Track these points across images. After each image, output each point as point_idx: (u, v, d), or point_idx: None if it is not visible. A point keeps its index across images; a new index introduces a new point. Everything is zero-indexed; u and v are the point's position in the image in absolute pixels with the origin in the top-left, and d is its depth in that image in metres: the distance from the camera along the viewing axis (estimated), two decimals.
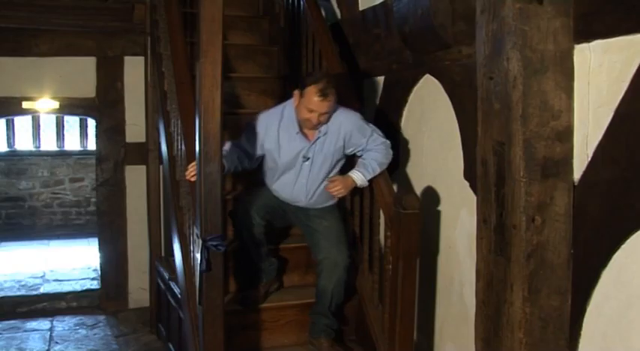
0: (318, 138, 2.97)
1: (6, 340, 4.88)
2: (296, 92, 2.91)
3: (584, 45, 1.98)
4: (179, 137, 3.33)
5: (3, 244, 8.04)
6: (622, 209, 1.85)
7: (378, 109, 3.52)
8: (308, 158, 2.99)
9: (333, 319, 3.10)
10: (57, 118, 8.59)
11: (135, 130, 5.37)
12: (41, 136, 8.89)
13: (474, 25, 2.21)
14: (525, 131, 2.00)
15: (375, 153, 3.00)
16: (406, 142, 3.29)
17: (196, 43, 2.68)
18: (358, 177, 2.98)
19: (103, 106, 5.35)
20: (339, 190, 2.99)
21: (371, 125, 3.06)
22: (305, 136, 2.98)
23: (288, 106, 3.00)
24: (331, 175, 3.07)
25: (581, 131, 2.01)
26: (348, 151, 3.06)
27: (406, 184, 3.26)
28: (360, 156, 3.06)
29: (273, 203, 3.16)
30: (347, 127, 2.99)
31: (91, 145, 8.34)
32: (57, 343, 4.87)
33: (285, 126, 2.97)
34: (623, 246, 1.87)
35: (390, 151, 3.03)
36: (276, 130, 2.97)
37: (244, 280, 3.32)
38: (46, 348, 4.77)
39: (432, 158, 3.07)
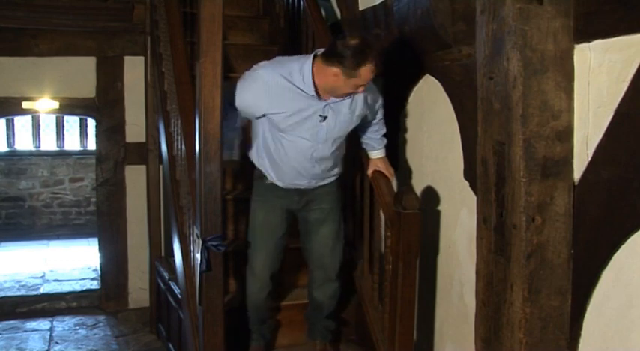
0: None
1: (6, 340, 4.88)
2: (337, 73, 2.45)
3: (584, 45, 1.98)
4: (179, 137, 3.33)
5: (3, 244, 8.04)
6: (622, 209, 1.85)
7: None
8: (325, 117, 2.61)
9: (330, 321, 3.10)
10: (57, 118, 8.60)
11: (135, 130, 5.37)
12: (41, 136, 8.90)
13: (474, 25, 2.21)
14: (525, 131, 2.00)
15: (383, 129, 2.95)
16: (406, 142, 3.29)
17: (196, 43, 2.68)
18: (383, 154, 2.98)
19: (103, 106, 5.35)
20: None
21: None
22: (319, 96, 2.59)
23: (298, 71, 2.54)
24: (336, 151, 2.75)
25: (581, 131, 2.01)
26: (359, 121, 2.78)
27: (406, 184, 3.25)
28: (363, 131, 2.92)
29: (273, 220, 2.83)
30: (372, 91, 2.76)
31: (91, 145, 8.34)
32: (57, 343, 4.87)
33: (296, 87, 2.55)
34: (623, 246, 1.88)
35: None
36: (284, 90, 2.55)
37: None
38: (46, 348, 4.77)
39: (432, 158, 3.07)
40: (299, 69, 2.54)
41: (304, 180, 2.76)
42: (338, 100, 2.61)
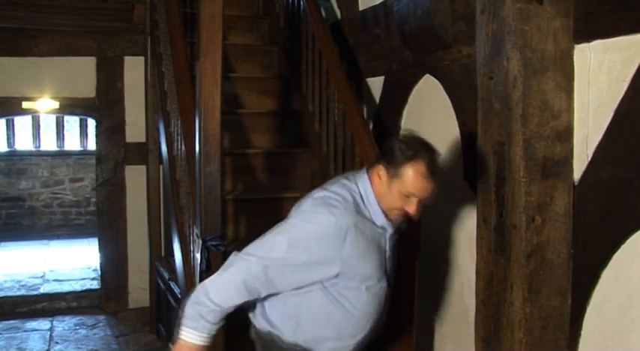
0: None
1: (6, 340, 4.88)
2: (380, 170, 1.94)
3: (584, 45, 1.98)
4: (179, 137, 3.33)
5: (3, 244, 8.04)
6: (622, 209, 1.85)
7: (378, 109, 3.52)
8: (388, 250, 2.08)
9: None
10: (57, 118, 8.61)
11: (135, 130, 5.38)
12: (41, 136, 8.91)
13: (474, 25, 2.21)
14: (525, 131, 2.00)
15: None
16: None
17: (196, 43, 2.68)
18: None
19: (103, 106, 5.35)
20: None
21: None
22: (388, 219, 2.03)
23: (354, 190, 1.99)
24: None
25: (581, 131, 2.01)
26: None
27: None
28: None
29: None
30: None
31: (91, 145, 8.35)
32: (57, 343, 4.87)
33: (367, 221, 1.98)
34: (623, 246, 1.88)
35: None
36: (363, 232, 1.95)
37: None
38: (46, 348, 4.77)
39: None
40: (362, 192, 2.00)
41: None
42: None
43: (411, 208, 1.94)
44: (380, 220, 1.99)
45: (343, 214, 1.89)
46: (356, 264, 1.92)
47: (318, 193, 1.98)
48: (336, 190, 1.97)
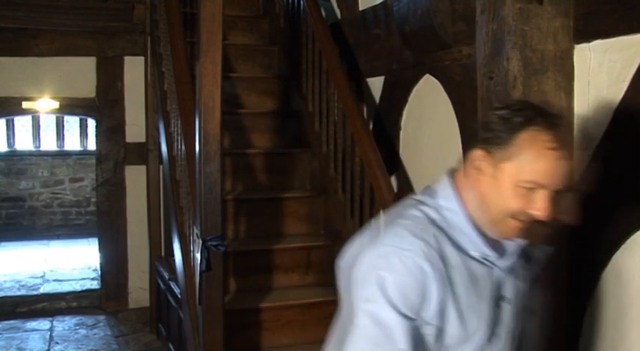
0: (520, 251, 1.34)
1: (6, 340, 4.88)
2: (479, 158, 1.26)
3: (584, 45, 1.98)
4: (179, 137, 3.33)
5: (3, 244, 8.05)
6: (622, 209, 1.85)
7: (378, 109, 3.52)
8: (504, 298, 1.32)
9: None
10: (57, 118, 8.61)
11: (135, 130, 5.38)
12: (41, 136, 8.92)
13: (474, 25, 2.21)
14: None
15: None
16: (406, 142, 3.29)
17: (196, 43, 2.68)
18: None
19: (103, 106, 5.36)
20: None
21: None
22: (495, 246, 1.30)
23: (434, 205, 1.30)
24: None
25: (581, 131, 2.01)
26: None
27: (406, 185, 3.25)
28: None
29: None
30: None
31: (91, 145, 8.36)
32: (57, 343, 4.87)
33: (456, 251, 1.26)
34: (623, 246, 1.88)
35: None
36: (444, 272, 1.22)
37: None
38: (46, 348, 4.77)
39: (432, 158, 3.07)
40: (445, 207, 1.30)
41: None
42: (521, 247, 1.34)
43: (538, 206, 1.23)
44: (478, 247, 1.27)
45: (419, 254, 1.21)
46: (445, 321, 1.24)
47: (377, 239, 1.27)
48: (403, 218, 1.29)
